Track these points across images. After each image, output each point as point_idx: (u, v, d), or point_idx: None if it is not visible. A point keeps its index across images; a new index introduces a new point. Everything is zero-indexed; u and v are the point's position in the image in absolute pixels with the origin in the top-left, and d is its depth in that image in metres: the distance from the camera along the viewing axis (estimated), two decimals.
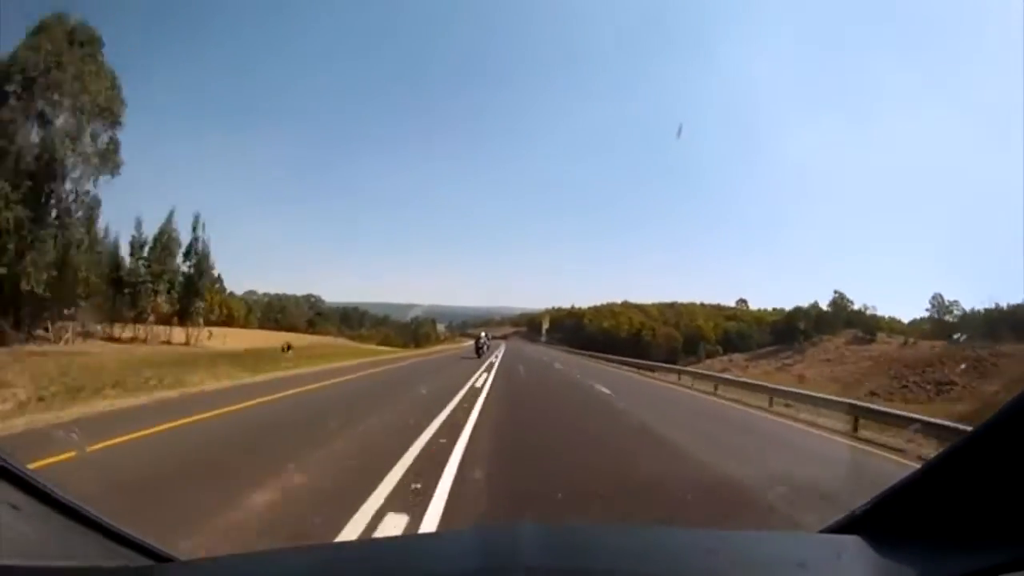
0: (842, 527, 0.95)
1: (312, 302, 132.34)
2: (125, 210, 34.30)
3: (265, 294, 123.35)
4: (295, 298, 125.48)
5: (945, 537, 0.77)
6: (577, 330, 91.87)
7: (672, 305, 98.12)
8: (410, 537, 1.53)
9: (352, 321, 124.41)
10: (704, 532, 2.04)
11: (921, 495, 0.85)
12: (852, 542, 0.88)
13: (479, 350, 28.07)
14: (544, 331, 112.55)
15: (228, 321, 79.74)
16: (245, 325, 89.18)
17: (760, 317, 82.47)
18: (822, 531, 1.04)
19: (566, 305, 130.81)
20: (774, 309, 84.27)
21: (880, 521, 0.89)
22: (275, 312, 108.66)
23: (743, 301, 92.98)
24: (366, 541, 1.70)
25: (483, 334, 32.28)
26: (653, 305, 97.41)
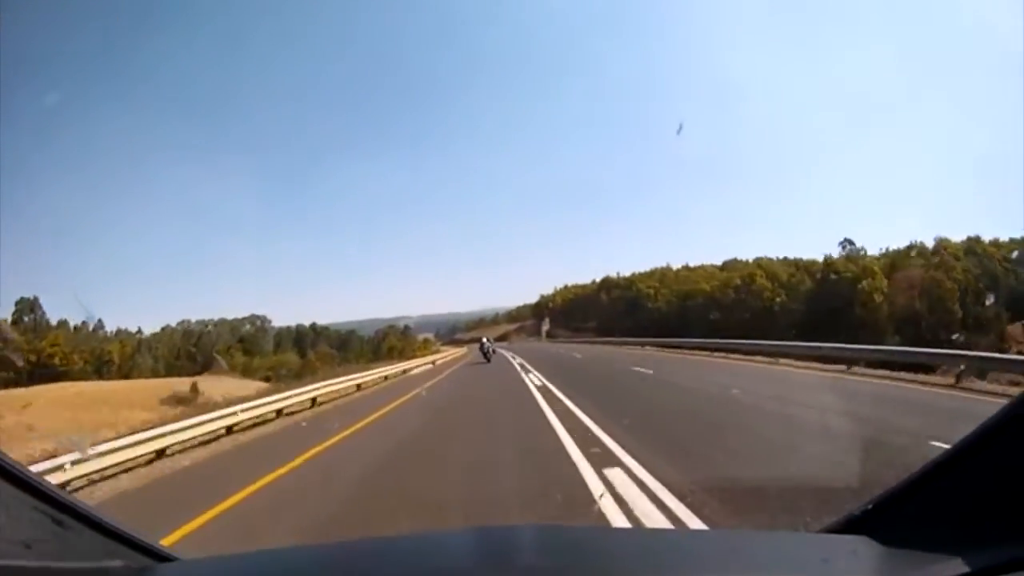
0: (843, 527, 0.94)
1: (258, 325, 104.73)
2: None
3: (201, 321, 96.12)
4: (230, 323, 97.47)
5: (947, 536, 0.76)
6: (632, 309, 61.40)
7: (732, 263, 67.95)
8: (410, 536, 1.47)
9: (306, 342, 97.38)
10: (702, 533, 2.06)
11: (922, 495, 0.85)
12: (849, 542, 0.87)
13: (486, 355, 27.40)
14: (544, 330, 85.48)
15: (46, 371, 50.82)
16: (119, 373, 61.91)
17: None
18: (822, 531, 1.02)
19: (561, 285, 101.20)
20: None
21: (880, 521, 0.88)
22: (190, 343, 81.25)
23: (849, 242, 59.11)
24: (366, 541, 1.58)
25: (485, 339, 30.69)
26: (705, 268, 67.48)
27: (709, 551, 1.00)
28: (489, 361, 26.04)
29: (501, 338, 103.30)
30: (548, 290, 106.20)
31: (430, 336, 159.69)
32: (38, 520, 0.74)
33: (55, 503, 0.77)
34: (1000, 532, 0.70)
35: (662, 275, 67.96)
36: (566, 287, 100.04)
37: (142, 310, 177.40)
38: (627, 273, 78.27)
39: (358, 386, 17.54)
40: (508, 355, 31.53)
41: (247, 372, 51.63)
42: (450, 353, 47.36)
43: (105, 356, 64.56)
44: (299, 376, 44.21)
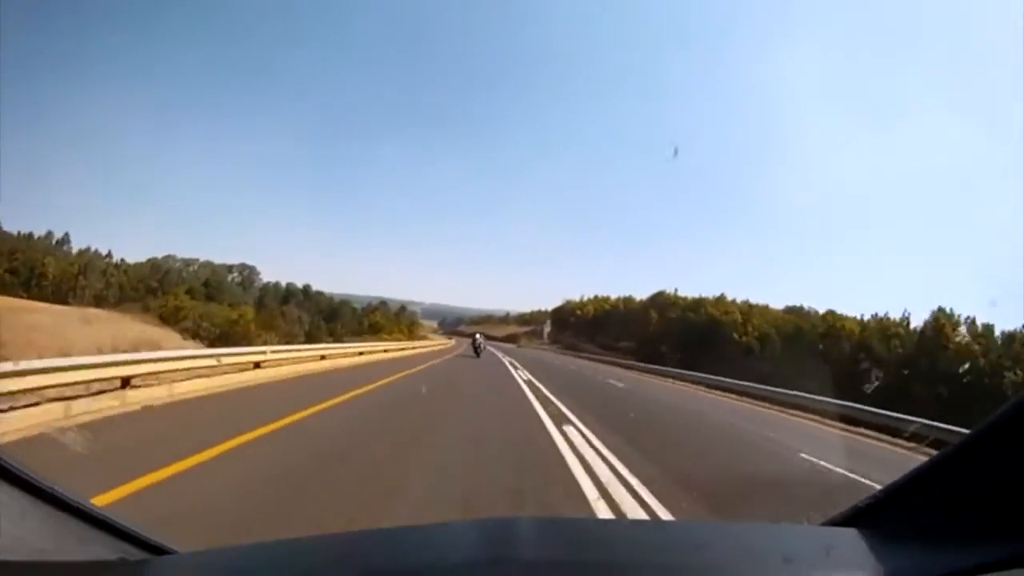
0: (843, 521, 0.95)
1: (245, 273, 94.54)
2: None
3: (186, 259, 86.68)
4: (214, 266, 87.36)
5: (944, 533, 0.77)
6: (704, 337, 45.40)
7: (796, 310, 53.09)
8: (411, 529, 1.33)
9: (292, 302, 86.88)
10: (701, 524, 2.08)
11: (922, 491, 0.86)
12: (848, 535, 0.89)
13: (476, 350, 27.89)
14: (546, 332, 77.32)
15: None
16: (54, 294, 52.35)
17: None
18: (824, 524, 1.04)
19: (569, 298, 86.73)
20: None
21: (881, 516, 0.90)
22: (156, 276, 71.37)
23: (943, 312, 38.14)
24: (367, 532, 1.62)
25: (478, 335, 31.03)
26: (769, 308, 53.12)
27: (708, 541, 1.01)
28: (478, 356, 26.22)
29: (508, 339, 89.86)
30: (574, 296, 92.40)
31: (432, 323, 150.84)
32: (34, 515, 0.74)
33: (51, 498, 0.76)
34: (1000, 529, 0.71)
35: (736, 305, 53.05)
36: (597, 297, 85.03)
37: (140, 240, 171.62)
38: (682, 293, 63.37)
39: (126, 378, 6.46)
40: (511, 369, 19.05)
41: (178, 319, 40.27)
42: (431, 345, 35.59)
43: (38, 268, 54.42)
44: (222, 337, 32.88)
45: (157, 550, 0.87)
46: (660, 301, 63.77)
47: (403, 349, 25.10)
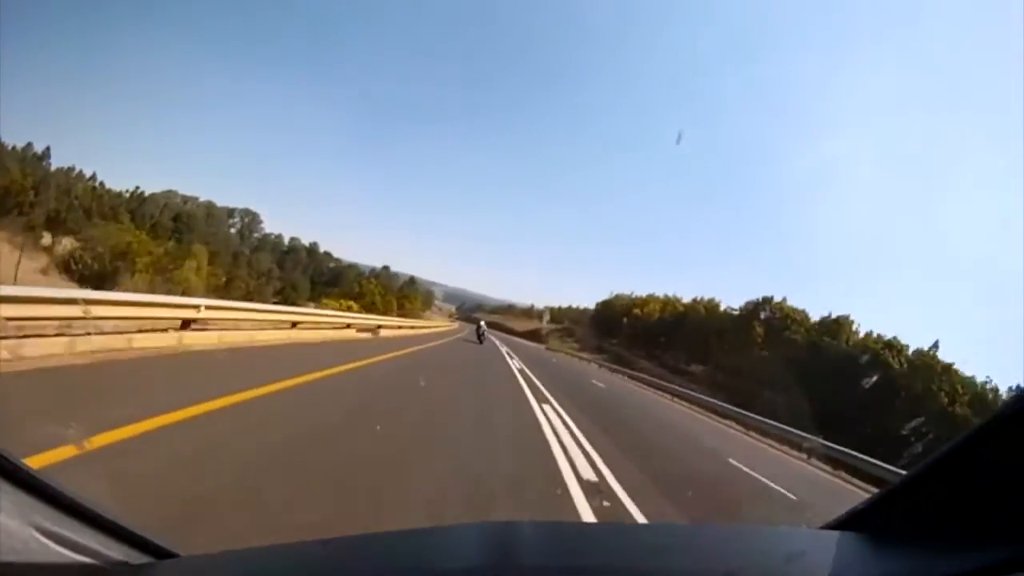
0: (842, 524, 0.95)
1: (247, 220, 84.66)
2: None
3: (186, 196, 77.39)
4: (209, 206, 77.50)
5: (943, 536, 0.77)
6: (874, 390, 28.35)
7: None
8: (408, 533, 1.35)
9: (293, 258, 77.14)
10: (699, 527, 2.06)
11: (920, 493, 0.85)
12: (847, 538, 0.89)
13: (480, 337, 28.70)
14: (546, 321, 72.33)
15: None
16: None
17: None
18: (823, 528, 1.05)
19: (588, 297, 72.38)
20: None
21: (880, 518, 0.90)
22: (127, 207, 61.75)
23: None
24: (368, 536, 1.45)
25: (482, 323, 32.92)
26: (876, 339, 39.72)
27: (705, 544, 1.03)
28: (481, 343, 26.85)
29: (531, 335, 77.34)
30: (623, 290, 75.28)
31: (450, 307, 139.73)
32: (37, 516, 0.73)
33: (55, 500, 0.76)
34: (1000, 531, 0.70)
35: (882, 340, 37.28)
36: (662, 297, 65.04)
37: (150, 175, 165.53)
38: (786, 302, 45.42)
39: None
40: None
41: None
42: (405, 328, 24.37)
43: None
44: (99, 275, 21.58)
45: (161, 553, 0.87)
46: (768, 314, 43.18)
47: (319, 326, 12.88)
